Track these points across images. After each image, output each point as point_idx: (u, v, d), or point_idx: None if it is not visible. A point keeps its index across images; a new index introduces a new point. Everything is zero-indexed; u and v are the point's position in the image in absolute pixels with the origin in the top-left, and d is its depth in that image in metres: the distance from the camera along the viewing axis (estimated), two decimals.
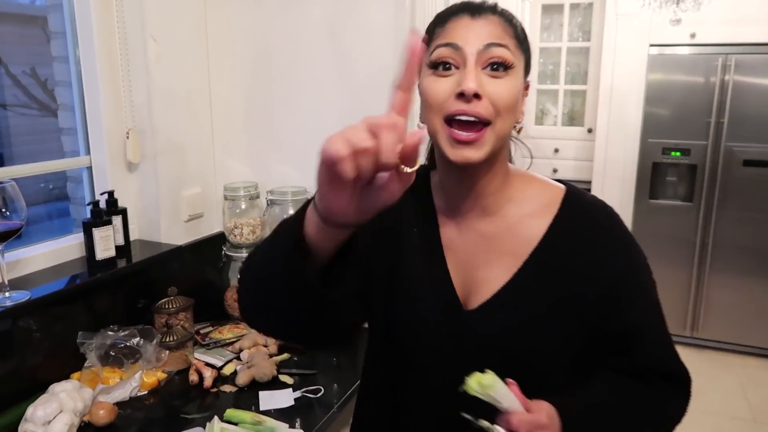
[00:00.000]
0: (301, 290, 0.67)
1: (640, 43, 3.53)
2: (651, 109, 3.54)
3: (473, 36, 0.76)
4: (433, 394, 0.86)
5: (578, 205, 0.86)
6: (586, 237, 0.83)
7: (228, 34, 1.77)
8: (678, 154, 3.52)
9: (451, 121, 0.77)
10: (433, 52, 0.79)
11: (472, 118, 0.75)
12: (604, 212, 0.86)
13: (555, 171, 3.93)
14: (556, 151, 4.01)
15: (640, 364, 0.85)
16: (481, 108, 0.75)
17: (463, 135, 0.76)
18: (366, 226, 0.63)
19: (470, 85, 0.74)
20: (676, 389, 0.87)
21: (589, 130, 3.96)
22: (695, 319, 3.64)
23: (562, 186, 0.89)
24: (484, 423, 0.74)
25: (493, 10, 0.80)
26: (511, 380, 0.75)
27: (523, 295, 0.83)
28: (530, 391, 0.76)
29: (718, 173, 3.45)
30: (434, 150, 0.84)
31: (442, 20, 0.81)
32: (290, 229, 0.66)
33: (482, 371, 0.74)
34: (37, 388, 1.28)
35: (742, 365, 3.47)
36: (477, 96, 0.75)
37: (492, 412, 0.74)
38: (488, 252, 0.85)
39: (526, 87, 0.84)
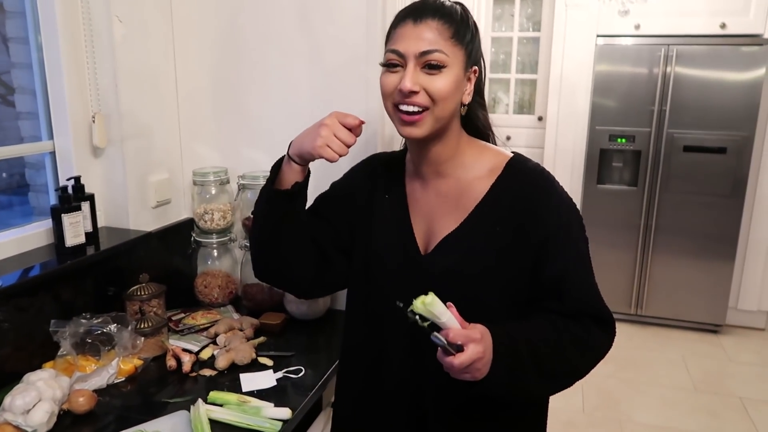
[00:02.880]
0: (278, 210, 1.06)
1: (588, 34, 3.66)
2: (598, 98, 3.68)
3: (412, 44, 0.94)
4: (401, 323, 0.94)
5: (518, 169, 1.03)
6: (522, 195, 1.00)
7: (193, 16, 1.74)
8: (623, 140, 3.69)
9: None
10: (385, 54, 0.99)
11: (411, 108, 0.96)
12: (541, 176, 1.03)
13: None
14: (508, 138, 4.12)
15: (569, 305, 1.00)
16: (417, 99, 0.95)
17: (407, 117, 0.97)
18: (347, 203, 1.15)
19: (406, 85, 0.94)
20: (601, 327, 1.03)
21: (540, 118, 4.09)
22: (640, 298, 3.84)
23: (510, 154, 1.06)
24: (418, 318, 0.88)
25: (434, 12, 0.96)
26: (450, 303, 0.88)
27: (466, 241, 1.01)
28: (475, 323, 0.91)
29: (660, 159, 3.63)
30: None
31: (393, 25, 1.00)
32: (266, 186, 1.07)
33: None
34: (5, 380, 1.24)
35: (683, 339, 3.69)
36: (414, 92, 0.94)
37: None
38: (443, 207, 1.05)
39: (475, 72, 1.02)
